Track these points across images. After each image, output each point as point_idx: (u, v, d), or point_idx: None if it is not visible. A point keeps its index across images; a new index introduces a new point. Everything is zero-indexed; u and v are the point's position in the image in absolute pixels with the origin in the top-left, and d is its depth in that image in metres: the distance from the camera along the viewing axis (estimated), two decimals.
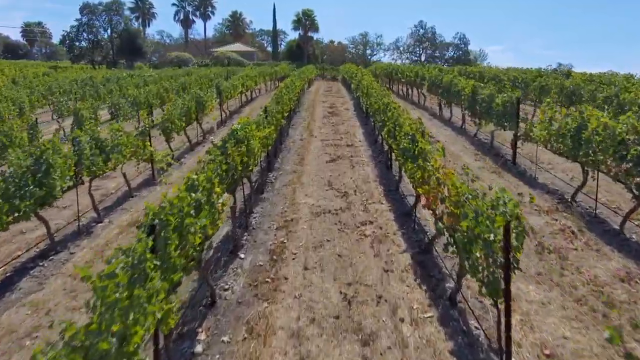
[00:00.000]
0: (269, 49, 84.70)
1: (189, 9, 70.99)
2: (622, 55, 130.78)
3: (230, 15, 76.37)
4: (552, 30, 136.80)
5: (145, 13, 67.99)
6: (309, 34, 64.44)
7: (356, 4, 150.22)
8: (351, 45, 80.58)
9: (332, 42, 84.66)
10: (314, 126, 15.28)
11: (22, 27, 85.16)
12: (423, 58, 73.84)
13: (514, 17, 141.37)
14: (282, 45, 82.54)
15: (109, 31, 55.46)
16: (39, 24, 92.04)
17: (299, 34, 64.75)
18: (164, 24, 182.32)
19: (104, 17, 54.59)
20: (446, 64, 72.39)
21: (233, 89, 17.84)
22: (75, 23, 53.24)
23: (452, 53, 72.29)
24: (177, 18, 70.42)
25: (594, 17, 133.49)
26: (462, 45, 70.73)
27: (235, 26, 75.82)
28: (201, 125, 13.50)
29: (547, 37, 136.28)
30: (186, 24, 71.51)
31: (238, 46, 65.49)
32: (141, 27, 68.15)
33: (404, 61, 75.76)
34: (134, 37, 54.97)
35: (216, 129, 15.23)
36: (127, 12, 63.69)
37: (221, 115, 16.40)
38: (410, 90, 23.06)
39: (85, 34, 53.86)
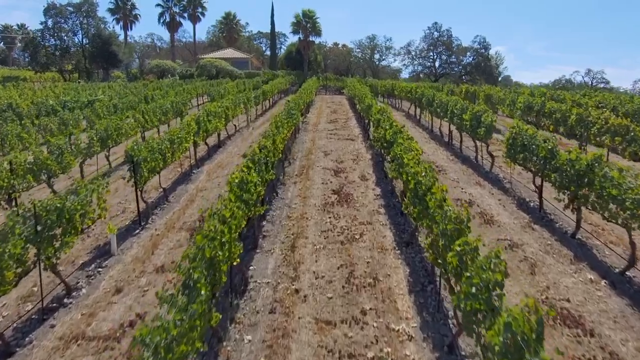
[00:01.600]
0: (268, 52, 77.19)
1: (176, 9, 63.30)
2: (625, 57, 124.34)
3: (223, 17, 68.69)
4: (554, 32, 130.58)
5: (126, 15, 60.44)
6: (311, 38, 56.74)
7: (361, 6, 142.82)
8: (357, 49, 73.33)
9: (336, 44, 77.24)
10: (304, 250, 7.77)
11: None
12: (437, 64, 66.37)
13: (516, 18, 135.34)
14: (282, 49, 75.01)
15: (79, 36, 48.08)
16: (22, 26, 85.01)
17: (299, 38, 57.15)
18: (154, 27, 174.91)
19: (73, 19, 47.15)
20: (463, 71, 64.96)
21: (169, 154, 10.32)
22: (41, 27, 45.95)
23: (470, 59, 64.64)
24: (162, 20, 62.73)
25: (595, 17, 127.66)
26: (482, 50, 63.05)
27: (229, 29, 68.22)
28: (57, 273, 6.15)
29: (550, 39, 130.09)
30: (172, 27, 63.83)
31: (230, 52, 57.92)
32: (122, 31, 60.84)
33: (416, 67, 68.45)
34: (107, 42, 47.47)
35: (116, 248, 7.85)
36: (106, 14, 56.53)
37: (138, 208, 8.97)
38: (454, 132, 15.67)
39: (52, 40, 46.52)
